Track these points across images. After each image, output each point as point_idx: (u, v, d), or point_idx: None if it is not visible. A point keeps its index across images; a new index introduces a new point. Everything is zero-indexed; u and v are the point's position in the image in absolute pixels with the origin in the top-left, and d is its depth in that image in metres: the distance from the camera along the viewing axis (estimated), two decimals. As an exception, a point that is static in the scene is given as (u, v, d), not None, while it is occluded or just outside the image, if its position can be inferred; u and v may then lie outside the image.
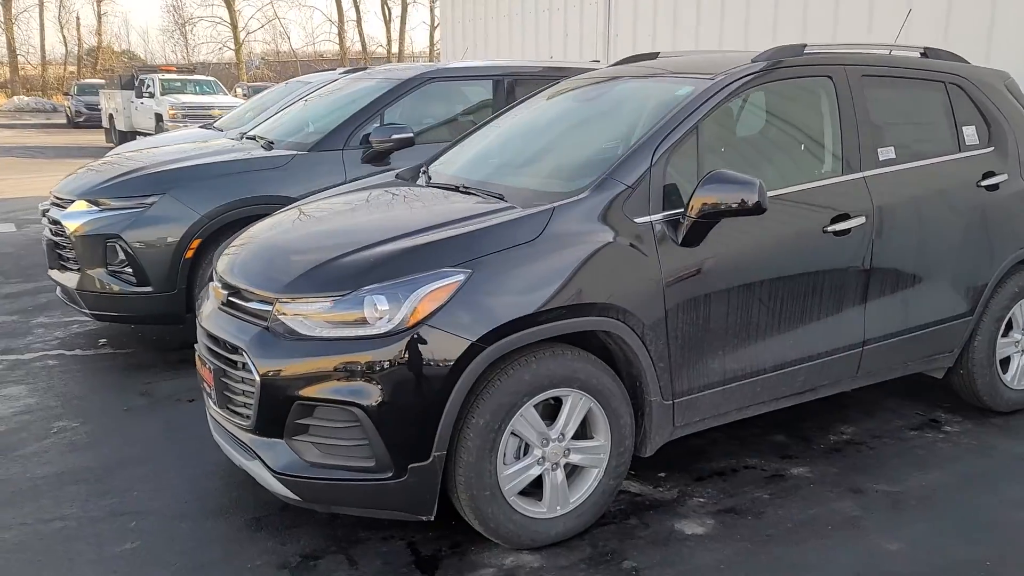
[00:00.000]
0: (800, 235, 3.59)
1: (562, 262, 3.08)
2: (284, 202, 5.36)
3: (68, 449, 4.09)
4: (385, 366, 2.85)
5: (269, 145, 5.77)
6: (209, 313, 3.39)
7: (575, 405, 3.14)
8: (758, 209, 3.20)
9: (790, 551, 3.20)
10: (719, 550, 3.20)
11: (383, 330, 2.87)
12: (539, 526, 3.16)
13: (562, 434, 3.14)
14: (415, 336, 2.86)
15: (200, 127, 9.96)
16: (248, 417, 3.10)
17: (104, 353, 5.53)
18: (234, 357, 3.12)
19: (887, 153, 3.89)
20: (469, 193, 3.59)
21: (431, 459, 2.92)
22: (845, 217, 3.68)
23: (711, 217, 3.25)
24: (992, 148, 4.26)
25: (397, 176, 4.30)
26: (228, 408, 3.23)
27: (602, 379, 3.16)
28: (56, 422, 4.40)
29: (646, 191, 3.27)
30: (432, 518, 3.03)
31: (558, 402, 3.14)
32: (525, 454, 3.11)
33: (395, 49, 51.28)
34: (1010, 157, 4.28)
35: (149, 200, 5.16)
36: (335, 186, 5.45)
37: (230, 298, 3.26)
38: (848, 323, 3.76)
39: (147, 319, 5.33)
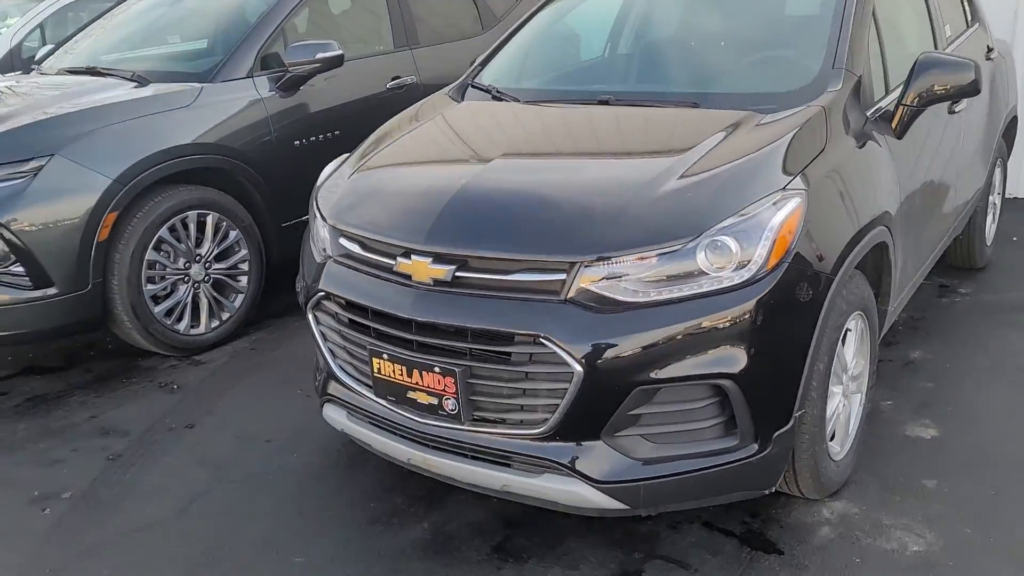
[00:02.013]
0: (942, 115, 3.51)
1: (859, 168, 2.71)
2: (202, 150, 4.15)
3: (90, 525, 2.85)
4: (751, 322, 2.28)
5: (141, 79, 4.34)
6: (397, 298, 2.47)
7: (858, 328, 2.81)
8: (974, 90, 3.03)
9: None
10: (956, 446, 3.12)
11: (741, 278, 2.28)
12: (841, 469, 2.82)
13: (848, 364, 2.81)
14: (779, 278, 2.31)
15: None
16: (538, 422, 2.34)
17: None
18: (508, 349, 2.31)
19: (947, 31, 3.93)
20: (636, 104, 3.00)
21: (791, 422, 2.44)
22: (957, 95, 3.66)
23: (927, 104, 3.03)
24: (977, 24, 4.50)
25: (449, 96, 3.46)
26: (477, 418, 2.41)
27: (869, 294, 2.85)
28: (30, 493, 3.05)
29: (867, 80, 2.96)
30: (775, 489, 2.56)
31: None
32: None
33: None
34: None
35: (29, 166, 3.64)
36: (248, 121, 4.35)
37: (457, 273, 2.40)
38: (952, 205, 3.81)
39: (52, 333, 3.80)
